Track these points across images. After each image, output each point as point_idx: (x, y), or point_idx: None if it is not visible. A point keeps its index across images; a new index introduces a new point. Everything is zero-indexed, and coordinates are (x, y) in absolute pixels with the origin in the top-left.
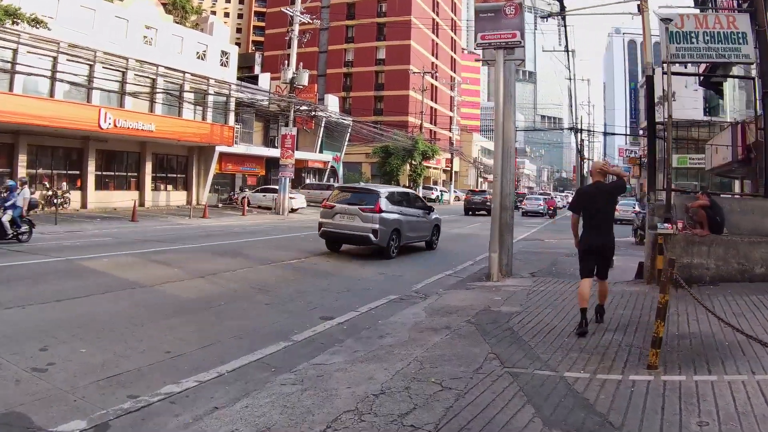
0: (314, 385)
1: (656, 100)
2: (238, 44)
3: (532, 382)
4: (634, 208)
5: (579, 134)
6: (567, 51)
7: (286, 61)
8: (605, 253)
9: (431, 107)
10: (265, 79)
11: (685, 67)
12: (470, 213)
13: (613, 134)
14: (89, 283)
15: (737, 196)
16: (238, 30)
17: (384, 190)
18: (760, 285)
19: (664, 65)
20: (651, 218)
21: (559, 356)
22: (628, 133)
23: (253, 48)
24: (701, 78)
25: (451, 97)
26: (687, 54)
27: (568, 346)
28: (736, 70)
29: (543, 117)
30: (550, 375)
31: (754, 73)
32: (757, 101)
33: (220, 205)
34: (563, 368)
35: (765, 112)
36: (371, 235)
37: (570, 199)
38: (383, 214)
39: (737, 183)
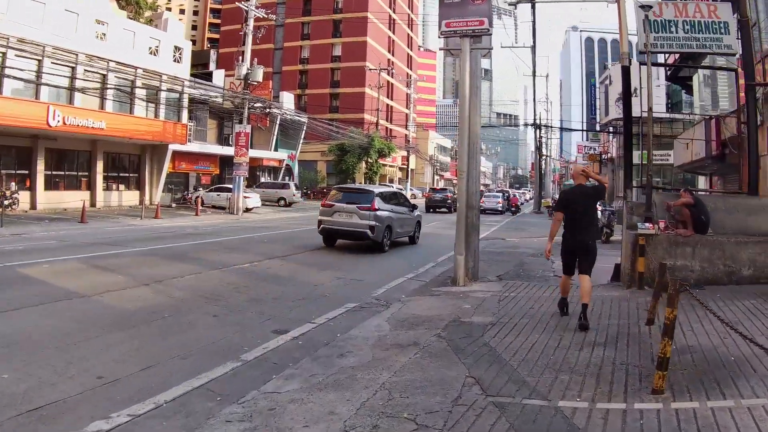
0: (265, 423)
1: (618, 95)
2: (193, 42)
3: (523, 416)
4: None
5: (538, 130)
6: (534, 44)
7: (241, 57)
8: (586, 251)
9: (387, 105)
10: (219, 76)
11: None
12: (431, 210)
13: (573, 130)
14: (23, 293)
15: (720, 194)
16: (194, 27)
17: (378, 190)
18: (748, 288)
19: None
20: (630, 217)
21: (548, 379)
22: (586, 129)
23: (209, 45)
24: (668, 72)
25: (407, 94)
26: (666, 43)
27: (555, 365)
28: (706, 62)
29: (498, 114)
30: (543, 405)
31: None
32: (740, 94)
33: (174, 205)
34: (556, 395)
35: (748, 106)
36: (368, 231)
37: (527, 197)
38: (378, 212)
39: (701, 179)
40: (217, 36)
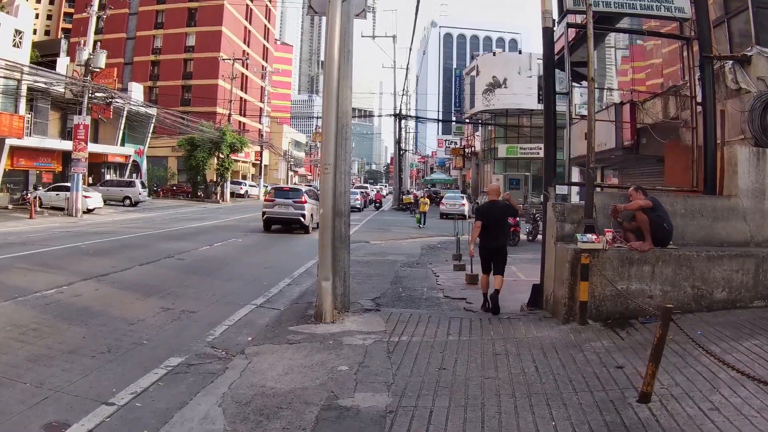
0: None
1: (486, 86)
2: (47, 32)
3: None
4: (462, 201)
5: (399, 122)
6: (413, 33)
7: (83, 40)
8: (500, 254)
9: (241, 98)
10: (63, 64)
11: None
12: None
13: (442, 121)
14: None
15: (675, 192)
16: (49, 17)
17: (304, 188)
18: (726, 316)
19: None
20: (560, 225)
21: None
22: (444, 120)
23: (63, 35)
24: (556, 60)
25: (262, 87)
26: (600, 1)
27: None
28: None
29: (353, 109)
30: None
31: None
32: (694, 68)
33: (10, 206)
34: None
35: (704, 83)
36: (301, 218)
37: (384, 192)
38: (306, 204)
39: (575, 171)
40: (71, 26)
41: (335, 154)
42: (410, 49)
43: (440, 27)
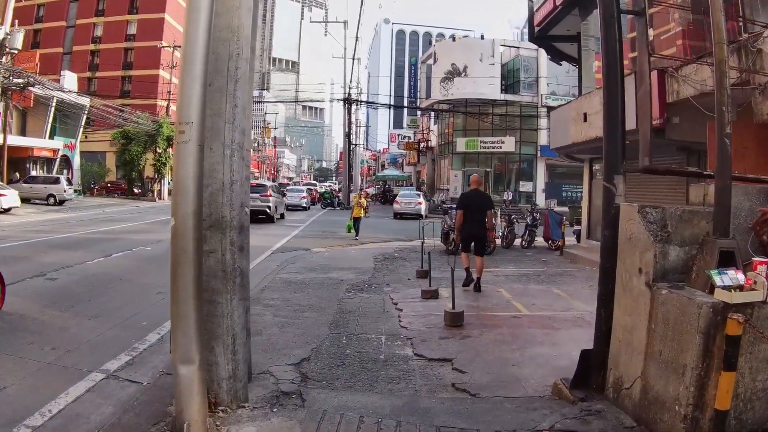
0: None
1: (444, 74)
2: None
3: None
4: (418, 199)
5: (349, 110)
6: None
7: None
8: (479, 238)
9: None
10: None
11: None
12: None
13: (398, 107)
14: None
15: None
16: None
17: (269, 184)
18: None
19: None
20: (663, 249)
21: None
22: (400, 106)
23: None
24: (537, 33)
25: None
26: None
27: None
28: None
29: (304, 107)
30: None
31: None
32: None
33: None
34: None
35: None
36: (267, 209)
37: (334, 188)
38: (271, 197)
39: (541, 166)
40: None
41: (202, 105)
42: (356, 38)
43: (393, 24)
